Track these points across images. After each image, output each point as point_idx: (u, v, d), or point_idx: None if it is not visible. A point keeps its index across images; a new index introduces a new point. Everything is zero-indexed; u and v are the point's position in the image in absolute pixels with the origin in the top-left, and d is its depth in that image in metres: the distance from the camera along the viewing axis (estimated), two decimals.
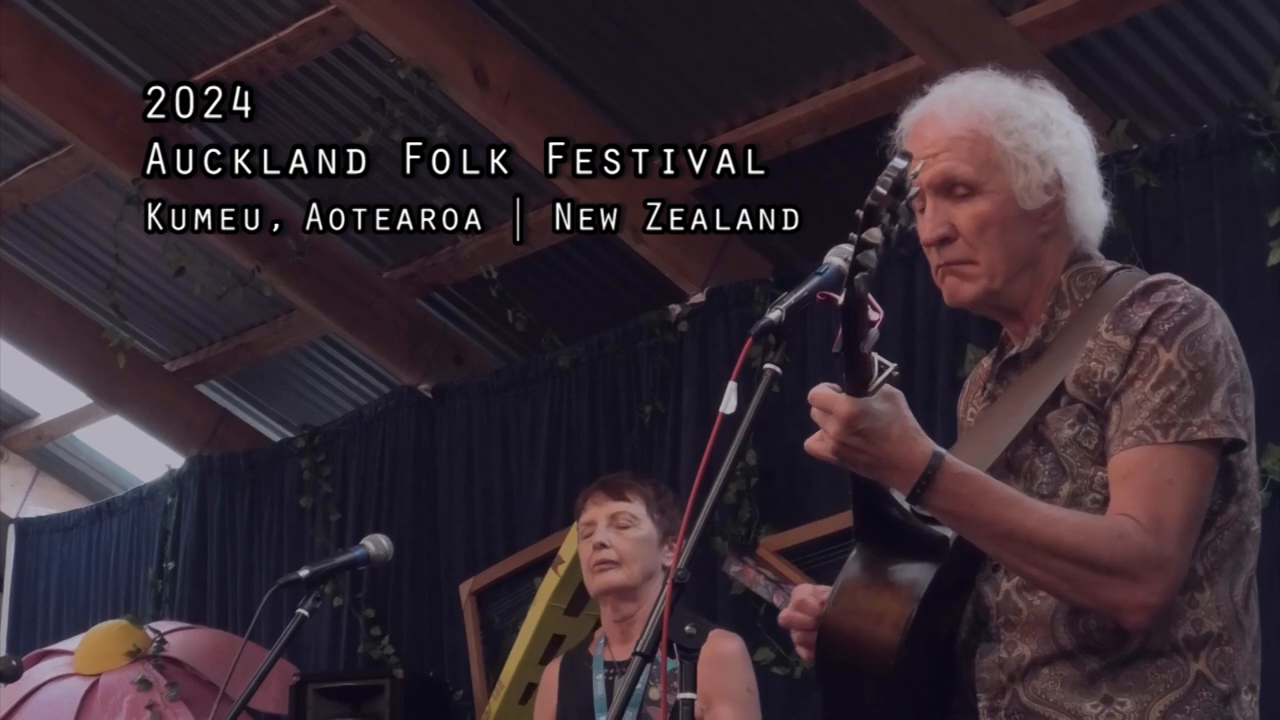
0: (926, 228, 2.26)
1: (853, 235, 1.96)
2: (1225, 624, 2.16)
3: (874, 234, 1.93)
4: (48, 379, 7.02)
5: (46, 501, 7.76)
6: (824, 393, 2.07)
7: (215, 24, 5.38)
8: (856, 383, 2.04)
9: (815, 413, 2.08)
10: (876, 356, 2.03)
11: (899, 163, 1.96)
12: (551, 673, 3.94)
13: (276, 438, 6.85)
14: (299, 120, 5.55)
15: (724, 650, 3.65)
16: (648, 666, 2.00)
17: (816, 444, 2.09)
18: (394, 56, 4.99)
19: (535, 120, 5.04)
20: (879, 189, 1.95)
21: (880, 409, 2.05)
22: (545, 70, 5.08)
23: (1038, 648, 2.17)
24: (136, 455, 7.38)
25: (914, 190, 2.00)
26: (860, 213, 1.95)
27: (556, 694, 3.88)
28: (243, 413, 7.01)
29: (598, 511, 3.82)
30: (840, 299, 1.98)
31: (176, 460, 6.92)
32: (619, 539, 3.78)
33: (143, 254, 6.17)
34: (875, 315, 1.99)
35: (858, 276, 1.95)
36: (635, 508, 3.80)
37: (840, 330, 2.00)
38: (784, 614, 2.24)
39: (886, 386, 2.06)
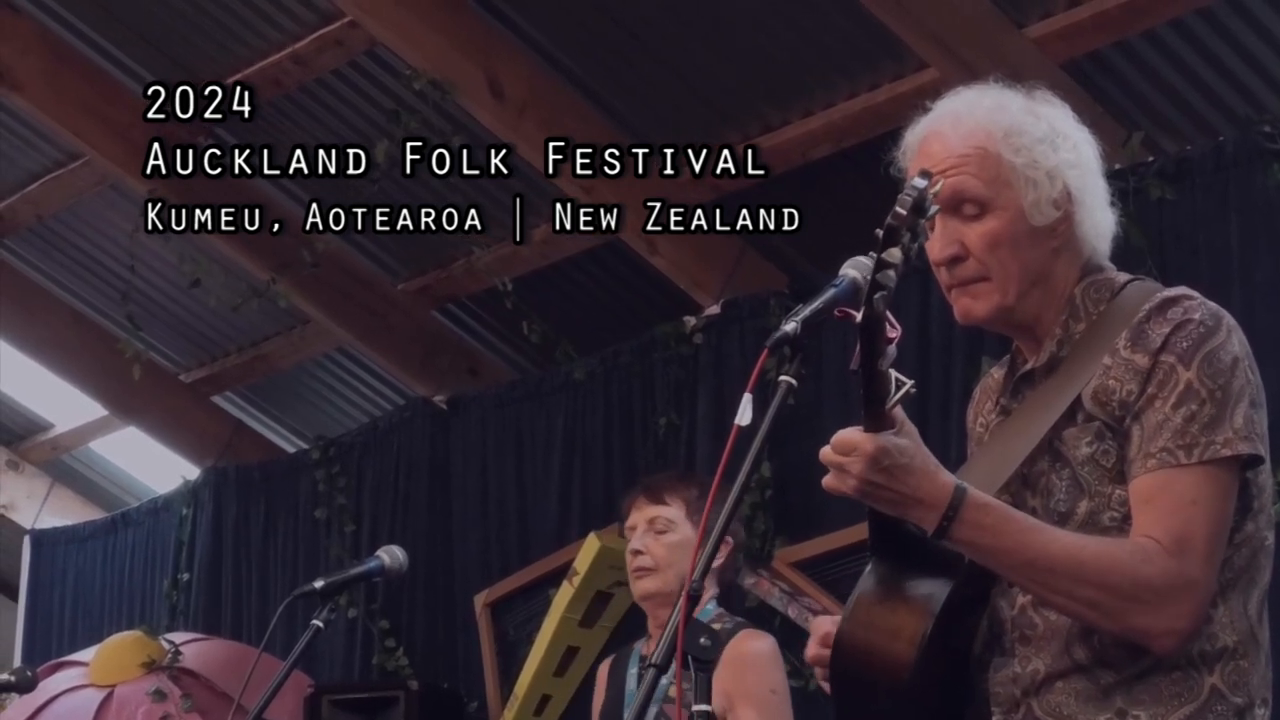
0: (935, 247, 2.24)
1: (872, 254, 1.95)
2: (1240, 639, 2.15)
3: (894, 254, 1.93)
4: (63, 390, 7.01)
5: (62, 513, 7.75)
6: (845, 434, 2.07)
7: (230, 36, 5.38)
8: (873, 400, 2.03)
9: (833, 456, 2.06)
10: (894, 374, 2.03)
11: (919, 181, 1.96)
12: (602, 671, 3.97)
13: (291, 449, 6.84)
14: (313, 131, 5.55)
15: (748, 650, 3.60)
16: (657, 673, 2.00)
17: (836, 481, 2.08)
18: (409, 68, 4.99)
19: (550, 132, 5.03)
20: (899, 209, 1.94)
21: (903, 444, 2.06)
22: (561, 82, 5.07)
23: (1052, 662, 2.16)
24: (151, 466, 7.36)
25: (934, 209, 1.98)
26: (880, 232, 1.94)
27: (605, 690, 3.89)
28: (258, 424, 7.00)
29: (638, 516, 3.80)
30: (858, 316, 1.98)
31: (192, 471, 6.90)
32: (655, 544, 3.75)
33: (158, 265, 6.17)
34: (893, 333, 1.99)
35: (877, 296, 1.95)
36: (673, 511, 3.77)
37: (858, 348, 2.00)
38: (810, 652, 2.23)
39: (907, 424, 2.06)
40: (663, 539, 3.75)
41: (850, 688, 2.18)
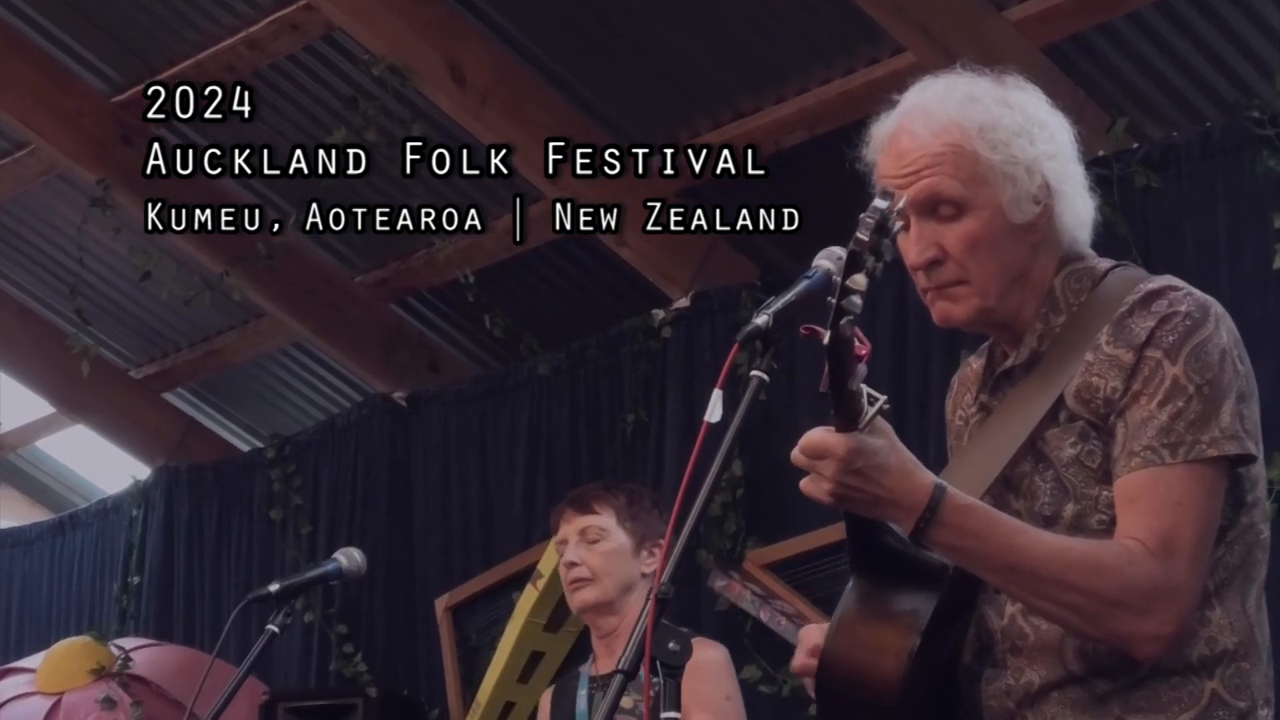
0: (912, 251, 2.21)
1: (836, 278, 1.93)
2: (1240, 640, 2.12)
3: (858, 280, 1.92)
4: (9, 387, 6.97)
5: (7, 514, 7.73)
6: (814, 437, 2.03)
7: (183, 20, 5.36)
8: (846, 419, 2.01)
9: (804, 459, 2.03)
10: (865, 389, 2.02)
11: (880, 203, 1.94)
12: (545, 699, 3.98)
13: (246, 448, 6.81)
14: (269, 120, 5.51)
15: (701, 659, 3.65)
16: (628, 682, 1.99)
17: (811, 486, 2.05)
18: (367, 53, 4.97)
19: (513, 119, 5.01)
20: (860, 234, 1.92)
21: (876, 444, 2.02)
22: (524, 67, 5.04)
23: (1046, 673, 2.14)
24: (101, 466, 7.38)
25: (898, 226, 1.98)
26: (843, 257, 1.93)
27: (549, 718, 3.90)
28: (211, 422, 6.97)
29: (568, 528, 3.83)
30: (825, 337, 1.95)
31: (142, 471, 6.86)
32: (589, 554, 3.77)
33: (107, 258, 6.14)
34: (862, 349, 1.98)
35: (843, 321, 1.93)
36: (604, 520, 3.80)
37: (826, 370, 1.98)
38: (797, 662, 2.20)
39: (878, 420, 2.02)
40: (596, 548, 3.78)
41: (838, 708, 2.16)
